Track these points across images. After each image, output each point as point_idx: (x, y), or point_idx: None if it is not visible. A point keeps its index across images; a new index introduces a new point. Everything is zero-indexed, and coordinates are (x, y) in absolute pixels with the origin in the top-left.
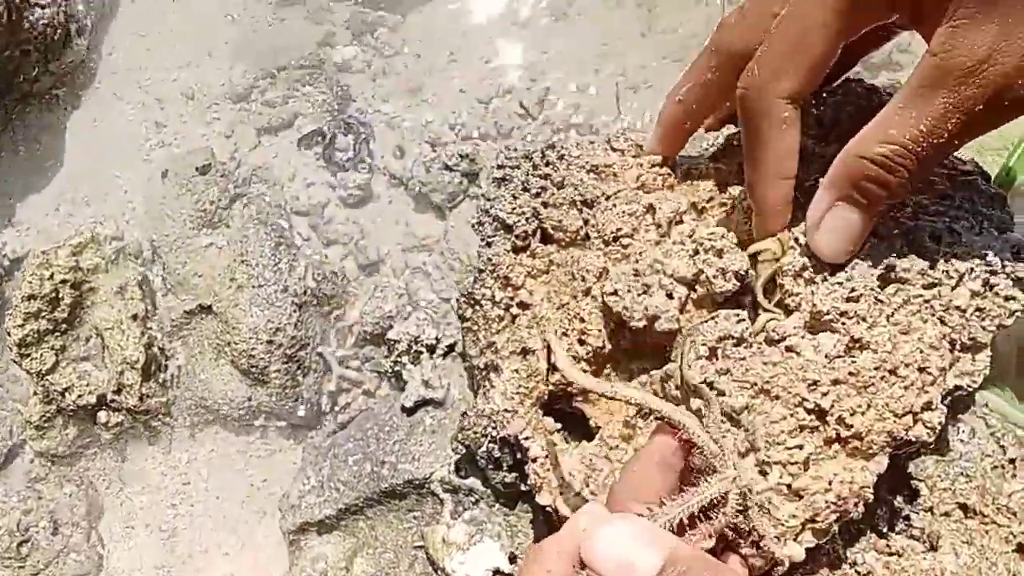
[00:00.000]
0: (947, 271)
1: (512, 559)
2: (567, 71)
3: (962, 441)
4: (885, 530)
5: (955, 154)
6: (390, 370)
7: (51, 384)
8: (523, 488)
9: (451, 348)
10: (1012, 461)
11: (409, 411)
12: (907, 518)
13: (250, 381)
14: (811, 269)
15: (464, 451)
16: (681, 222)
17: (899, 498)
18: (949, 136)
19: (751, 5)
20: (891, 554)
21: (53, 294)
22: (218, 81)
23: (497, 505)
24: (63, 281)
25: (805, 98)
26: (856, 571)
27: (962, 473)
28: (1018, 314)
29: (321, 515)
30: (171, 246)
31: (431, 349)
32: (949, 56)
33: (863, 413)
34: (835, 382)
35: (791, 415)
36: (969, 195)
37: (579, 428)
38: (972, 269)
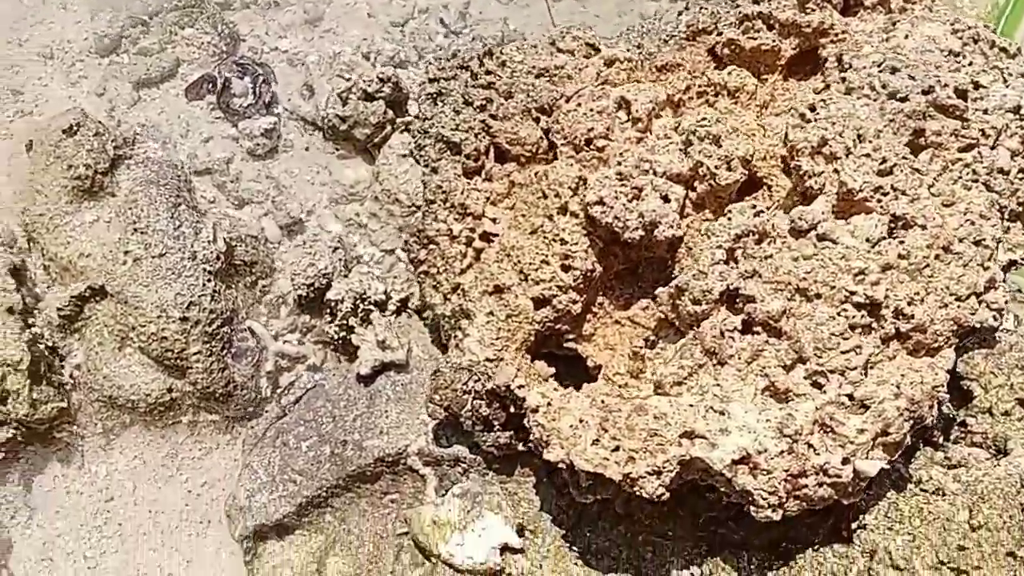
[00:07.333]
0: (982, 129)
1: (520, 531)
2: None
3: (1008, 331)
4: (941, 440)
5: (952, 11)
6: (336, 336)
7: None
8: (521, 448)
9: (404, 303)
10: None
11: (366, 380)
12: (963, 424)
13: (167, 369)
14: (832, 143)
15: (443, 415)
16: (660, 116)
17: (946, 403)
18: None
19: None
20: (954, 466)
21: None
22: (79, 35)
23: (491, 473)
24: None
25: None
26: (923, 489)
27: (1018, 365)
28: None
29: (278, 514)
30: (48, 226)
31: (381, 306)
32: None
33: (922, 301)
34: (885, 268)
35: (839, 314)
36: (979, 49)
37: (574, 373)
38: (1008, 125)
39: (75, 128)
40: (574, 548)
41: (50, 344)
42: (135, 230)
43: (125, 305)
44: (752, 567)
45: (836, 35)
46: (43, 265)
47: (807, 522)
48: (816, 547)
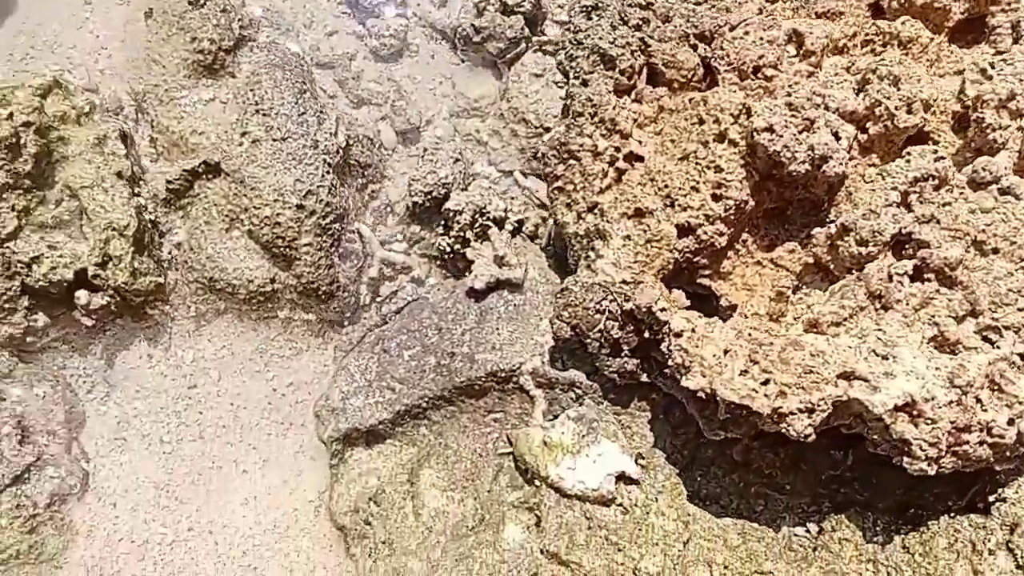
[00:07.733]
0: None
1: (636, 461)
2: None
3: None
4: None
5: None
6: (449, 249)
7: (13, 253)
8: (643, 380)
9: (520, 226)
10: None
11: (477, 296)
12: None
13: (273, 258)
14: (1020, 98)
15: (569, 334)
16: (829, 56)
17: None
18: None
19: None
20: None
21: (13, 139)
22: None
23: (606, 402)
24: (25, 124)
25: None
26: None
27: None
28: None
29: (373, 419)
30: (161, 99)
31: (499, 223)
32: None
33: None
34: None
35: (1018, 270)
36: None
37: (703, 312)
38: None
39: (202, 1)
40: (685, 489)
41: (153, 219)
42: (257, 111)
43: (240, 185)
44: (878, 528)
45: (1007, 4)
46: (150, 137)
47: (935, 491)
48: (952, 515)
